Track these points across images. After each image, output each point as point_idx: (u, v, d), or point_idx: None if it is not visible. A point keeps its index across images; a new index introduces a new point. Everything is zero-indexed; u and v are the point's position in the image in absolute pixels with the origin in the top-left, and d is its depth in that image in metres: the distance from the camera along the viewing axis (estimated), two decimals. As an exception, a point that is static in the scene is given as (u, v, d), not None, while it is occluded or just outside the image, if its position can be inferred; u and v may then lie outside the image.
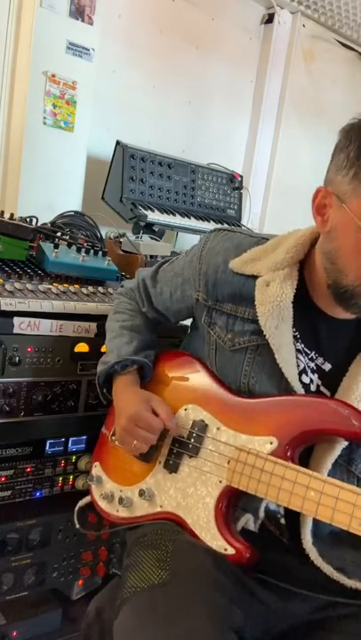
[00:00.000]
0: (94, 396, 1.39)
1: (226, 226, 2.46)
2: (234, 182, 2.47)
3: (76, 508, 1.24)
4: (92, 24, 2.06)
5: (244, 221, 2.57)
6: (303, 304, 1.03)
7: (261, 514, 1.03)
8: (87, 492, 1.23)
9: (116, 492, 1.15)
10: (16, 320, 1.25)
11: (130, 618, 0.88)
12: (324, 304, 1.03)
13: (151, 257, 1.80)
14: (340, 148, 0.92)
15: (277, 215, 2.97)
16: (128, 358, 1.17)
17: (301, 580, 0.98)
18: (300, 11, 2.81)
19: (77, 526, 1.23)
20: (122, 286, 1.37)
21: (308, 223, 1.05)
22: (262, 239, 1.10)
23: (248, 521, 1.02)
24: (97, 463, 1.22)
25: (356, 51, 3.12)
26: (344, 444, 0.97)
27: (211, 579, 0.93)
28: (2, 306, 1.23)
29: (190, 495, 1.04)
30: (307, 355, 1.04)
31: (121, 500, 1.12)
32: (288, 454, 0.96)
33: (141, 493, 1.08)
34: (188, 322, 1.29)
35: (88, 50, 2.07)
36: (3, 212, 1.54)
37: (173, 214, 2.17)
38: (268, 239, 1.09)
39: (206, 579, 0.93)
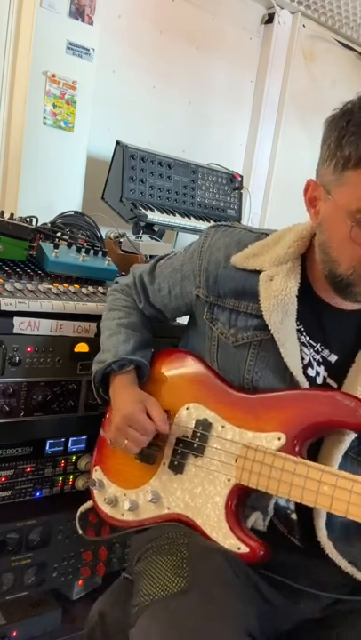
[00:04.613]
0: (94, 396, 1.39)
1: (224, 221, 2.46)
2: (234, 182, 2.48)
3: (78, 514, 1.22)
4: (92, 24, 2.06)
5: (244, 221, 2.57)
6: (307, 297, 1.03)
7: (271, 510, 1.02)
8: (87, 491, 1.21)
9: (120, 495, 1.12)
10: (16, 320, 1.24)
11: (151, 627, 0.85)
12: (327, 296, 1.03)
13: (151, 257, 1.80)
14: (323, 140, 0.93)
15: (277, 215, 2.97)
16: (126, 358, 1.16)
17: (310, 579, 0.98)
18: (300, 11, 2.81)
19: (80, 532, 1.21)
20: (116, 282, 1.35)
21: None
22: (262, 234, 1.10)
23: (257, 519, 1.01)
24: (97, 467, 1.19)
25: (356, 51, 3.13)
26: (353, 435, 0.97)
27: (228, 584, 0.92)
28: (2, 306, 1.23)
29: (198, 495, 1.02)
30: (312, 347, 1.03)
31: (126, 504, 1.09)
32: (296, 449, 0.95)
33: (147, 496, 1.07)
34: (185, 320, 1.29)
35: (88, 50, 2.07)
36: (3, 212, 1.53)
37: (173, 214, 2.17)
38: (268, 234, 1.09)
39: (224, 584, 0.91)
